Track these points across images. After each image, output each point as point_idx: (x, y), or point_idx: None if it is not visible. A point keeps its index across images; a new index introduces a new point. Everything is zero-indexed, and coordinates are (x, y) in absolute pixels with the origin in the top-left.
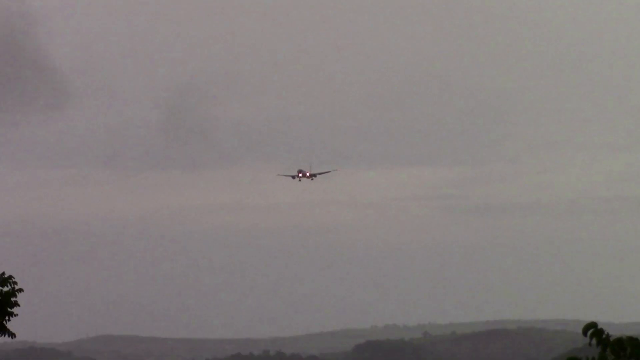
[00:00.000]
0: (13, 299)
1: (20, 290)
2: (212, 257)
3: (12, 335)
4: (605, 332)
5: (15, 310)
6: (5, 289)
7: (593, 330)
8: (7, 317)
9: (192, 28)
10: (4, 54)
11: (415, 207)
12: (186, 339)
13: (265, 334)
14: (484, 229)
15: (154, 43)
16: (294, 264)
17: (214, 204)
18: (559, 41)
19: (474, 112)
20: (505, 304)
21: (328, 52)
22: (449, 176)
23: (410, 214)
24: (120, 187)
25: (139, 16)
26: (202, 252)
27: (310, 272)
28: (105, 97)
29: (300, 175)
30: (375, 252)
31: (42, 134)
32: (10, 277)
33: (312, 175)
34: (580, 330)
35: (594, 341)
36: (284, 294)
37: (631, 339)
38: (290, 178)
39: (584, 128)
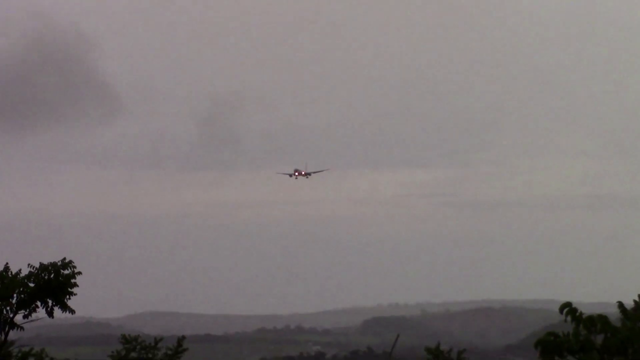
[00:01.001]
0: (73, 281)
1: (79, 273)
2: (240, 246)
3: (72, 311)
4: (579, 311)
5: (74, 290)
6: (66, 272)
7: (568, 309)
8: (67, 296)
9: (223, 51)
10: (65, 72)
11: (414, 202)
12: (219, 315)
13: (286, 310)
14: (473, 222)
15: (191, 63)
16: (311, 251)
17: (242, 200)
18: (539, 62)
19: (465, 122)
20: (491, 286)
21: (337, 73)
22: (443, 176)
23: (410, 209)
24: (163, 185)
25: (178, 40)
26: (232, 241)
27: (325, 258)
28: (150, 109)
29: (297, 173)
30: (380, 241)
31: (98, 140)
32: (70, 262)
33: (307, 174)
34: (556, 309)
35: (569, 318)
36: (302, 277)
37: (600, 317)
38: (288, 176)
39: (560, 135)
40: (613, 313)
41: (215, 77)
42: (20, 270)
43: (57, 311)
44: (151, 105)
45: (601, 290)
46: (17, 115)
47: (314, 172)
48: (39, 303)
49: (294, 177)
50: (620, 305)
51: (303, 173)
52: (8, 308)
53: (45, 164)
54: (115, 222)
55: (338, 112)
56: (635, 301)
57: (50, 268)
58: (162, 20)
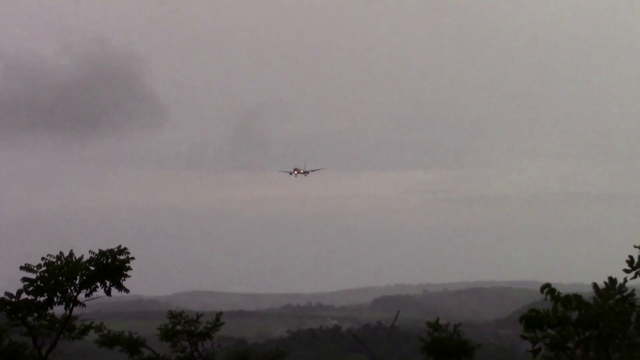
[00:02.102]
0: (127, 265)
1: (132, 258)
2: (268, 235)
3: (127, 290)
4: (557, 291)
5: (128, 272)
6: (122, 257)
7: (548, 289)
8: (122, 278)
9: (253, 69)
10: (120, 88)
11: (417, 198)
12: (251, 294)
13: (308, 290)
14: (466, 215)
15: (226, 79)
16: (329, 240)
17: (269, 196)
18: (522, 79)
19: (459, 131)
20: (482, 269)
21: (349, 87)
22: (440, 176)
23: (413, 204)
24: (202, 183)
25: (215, 59)
26: (260, 231)
27: (341, 246)
28: (191, 119)
29: (295, 172)
30: (387, 231)
31: (148, 145)
32: (125, 248)
33: (305, 172)
34: (538, 289)
35: (548, 297)
36: (321, 262)
37: (575, 296)
38: (288, 174)
39: (540, 142)
40: (586, 292)
41: (245, 91)
42: (82, 255)
43: (113, 291)
44: (192, 116)
45: (576, 273)
46: (81, 124)
47: (311, 171)
48: (98, 284)
49: (293, 174)
50: (595, 285)
51: (302, 171)
52: (72, 288)
53: (104, 165)
54: (162, 215)
55: (351, 121)
56: (605, 282)
57: (108, 254)
58: (201, 43)
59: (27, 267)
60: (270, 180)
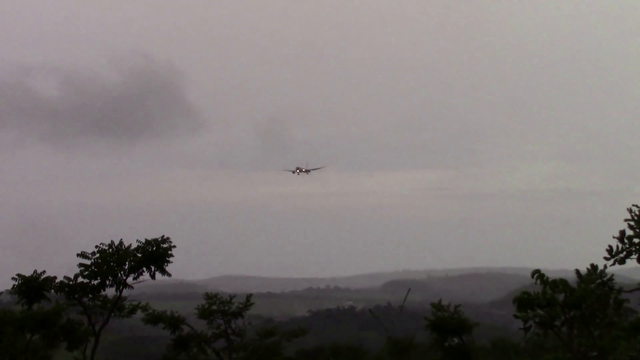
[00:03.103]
0: (169, 252)
1: (174, 246)
2: (292, 227)
3: (169, 274)
4: (546, 276)
5: (170, 259)
6: (165, 246)
7: (537, 274)
8: (165, 264)
9: (277, 80)
10: (163, 98)
11: (420, 195)
12: (277, 278)
13: (327, 274)
14: (465, 209)
15: (254, 90)
16: (345, 231)
17: (292, 192)
18: (511, 90)
19: (460, 136)
20: (479, 256)
21: (362, 95)
22: (441, 176)
23: (417, 200)
24: (234, 182)
25: (244, 72)
26: (285, 223)
27: (356, 236)
28: (224, 125)
29: (298, 170)
30: (396, 223)
31: (186, 148)
32: (167, 238)
33: (307, 171)
34: (529, 274)
35: (538, 281)
36: (338, 250)
37: (562, 280)
38: (291, 172)
39: (529, 145)
40: (571, 277)
41: (270, 101)
42: (131, 244)
43: (157, 275)
44: (225, 123)
45: (561, 260)
46: (129, 130)
47: (313, 169)
48: (144, 269)
49: (296, 173)
50: (577, 271)
51: (303, 170)
52: (122, 272)
53: (149, 166)
54: (199, 209)
55: (364, 126)
56: (588, 269)
57: (153, 243)
58: (232, 59)
59: (83, 255)
60: (293, 178)
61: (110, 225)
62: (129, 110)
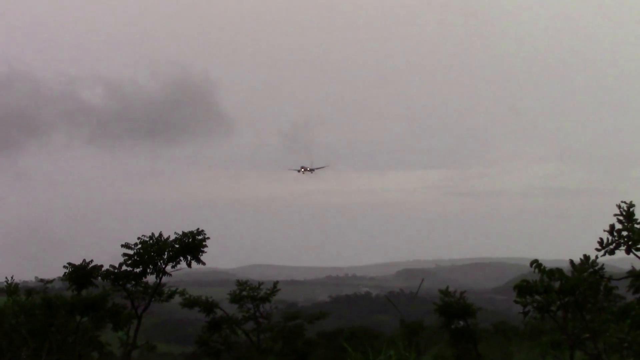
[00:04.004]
0: (204, 243)
1: (208, 238)
2: (314, 220)
3: (204, 263)
4: (543, 265)
5: (205, 249)
6: (200, 237)
7: (536, 263)
8: (200, 254)
9: (298, 88)
10: (197, 104)
11: (429, 193)
12: (300, 266)
13: (345, 264)
14: (468, 205)
15: (278, 97)
16: (362, 224)
17: (313, 190)
18: (510, 97)
19: (465, 140)
20: (483, 247)
21: (377, 102)
22: (448, 175)
23: (426, 197)
24: (261, 180)
25: (269, 82)
26: (307, 217)
27: (372, 228)
28: (252, 129)
29: (302, 169)
30: (407, 217)
31: (218, 150)
32: (202, 230)
33: (311, 170)
34: (527, 263)
35: (536, 270)
36: (356, 241)
37: (557, 269)
38: (296, 171)
39: (526, 148)
40: (565, 267)
41: (293, 106)
42: (169, 236)
43: (193, 263)
44: (252, 126)
45: (557, 251)
46: (167, 134)
47: (317, 168)
48: (181, 258)
49: (301, 172)
50: (571, 261)
51: (308, 169)
52: (161, 261)
53: (185, 166)
54: (230, 204)
55: (378, 130)
56: (581, 259)
57: (189, 235)
58: (258, 69)
59: (126, 245)
60: (313, 178)
61: (150, 219)
62: (166, 115)
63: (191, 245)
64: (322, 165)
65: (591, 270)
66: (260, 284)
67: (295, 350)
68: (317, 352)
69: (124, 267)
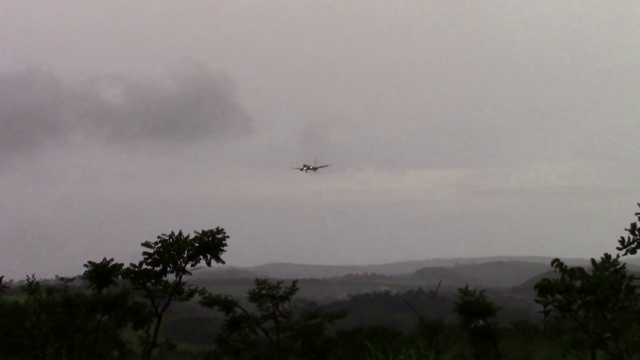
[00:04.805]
0: (223, 242)
1: (227, 237)
2: (333, 219)
3: (223, 262)
4: (564, 264)
5: (225, 248)
6: (219, 236)
7: (557, 262)
8: (220, 252)
9: (316, 88)
10: (216, 104)
11: (448, 191)
12: (319, 265)
13: (365, 262)
14: (487, 204)
15: (296, 97)
16: (381, 223)
17: (330, 189)
18: (529, 97)
19: (483, 138)
20: (502, 246)
21: (395, 102)
22: (467, 174)
23: (445, 195)
24: (279, 179)
25: (287, 82)
26: (326, 216)
27: (391, 227)
28: (270, 128)
29: (305, 168)
30: (426, 215)
31: (238, 149)
32: (222, 229)
33: (314, 168)
34: (548, 262)
35: (557, 269)
36: (376, 239)
37: (579, 268)
38: (299, 170)
39: (545, 147)
40: (586, 266)
41: (311, 106)
42: (189, 234)
43: (213, 262)
44: (271, 126)
45: (577, 250)
46: (186, 132)
47: (320, 167)
48: (201, 257)
49: (304, 170)
50: (592, 261)
51: (311, 167)
52: (181, 260)
53: (205, 164)
54: (250, 203)
55: (397, 129)
56: (602, 257)
57: (209, 233)
58: (277, 69)
59: (146, 244)
60: (330, 177)
61: (169, 217)
62: (184, 114)
63: (211, 244)
64: (325, 164)
65: (612, 269)
66: (280, 282)
67: (314, 349)
68: (337, 351)
69: (144, 266)
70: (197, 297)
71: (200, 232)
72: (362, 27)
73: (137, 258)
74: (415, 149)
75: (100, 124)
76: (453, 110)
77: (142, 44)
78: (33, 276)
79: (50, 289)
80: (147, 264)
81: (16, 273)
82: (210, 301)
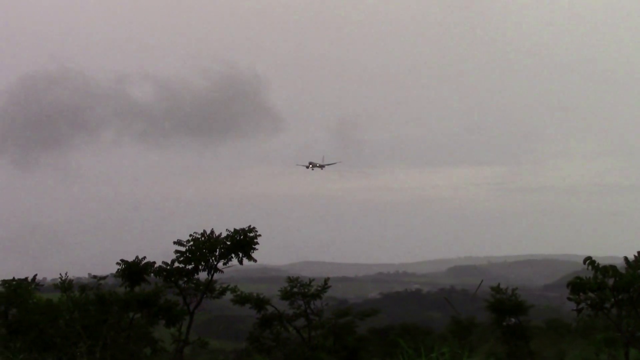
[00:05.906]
0: (255, 240)
1: (259, 235)
2: (365, 216)
3: (255, 260)
4: (596, 262)
5: (256, 246)
6: (251, 234)
7: (589, 261)
8: (252, 251)
9: (346, 86)
10: (246, 102)
11: (480, 189)
12: (351, 263)
13: (396, 260)
14: (520, 202)
15: (326, 95)
16: (413, 221)
17: (361, 187)
18: (562, 95)
19: (516, 136)
20: (535, 244)
21: (427, 100)
22: (499, 171)
23: (477, 193)
24: (309, 177)
25: (317, 79)
26: (357, 214)
27: (423, 225)
28: (300, 127)
29: (311, 165)
30: (458, 214)
31: (268, 147)
32: (253, 227)
33: (321, 166)
34: (581, 260)
35: (590, 267)
36: (407, 238)
37: (611, 266)
38: (304, 167)
39: (579, 144)
40: (619, 264)
41: (341, 104)
42: (221, 233)
43: (245, 260)
44: (301, 124)
45: (610, 248)
46: (216, 130)
47: (327, 164)
48: (233, 255)
49: (309, 168)
50: (626, 259)
51: (317, 165)
52: (213, 258)
53: (235, 162)
54: (280, 200)
55: (428, 128)
56: (635, 256)
57: (240, 232)
58: (307, 67)
59: (178, 242)
60: (361, 174)
61: (201, 216)
62: (214, 113)
63: (243, 242)
64: (333, 161)
65: None
66: (311, 280)
67: (346, 347)
68: (368, 349)
69: (176, 264)
70: (228, 295)
71: (232, 230)
72: (393, 25)
73: (169, 256)
74: (446, 146)
75: (131, 122)
76: (486, 108)
77: (172, 42)
78: (66, 274)
79: (83, 287)
80: (179, 262)
81: (49, 271)
82: (242, 299)
